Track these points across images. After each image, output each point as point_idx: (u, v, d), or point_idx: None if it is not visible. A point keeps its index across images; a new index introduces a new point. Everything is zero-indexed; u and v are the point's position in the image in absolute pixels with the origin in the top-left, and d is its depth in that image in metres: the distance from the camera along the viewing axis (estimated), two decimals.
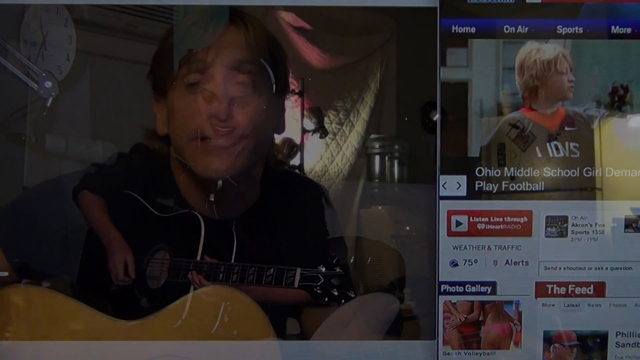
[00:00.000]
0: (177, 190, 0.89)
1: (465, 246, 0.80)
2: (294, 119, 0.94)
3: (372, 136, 1.05)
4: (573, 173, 0.79)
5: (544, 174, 0.79)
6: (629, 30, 0.79)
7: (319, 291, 0.84)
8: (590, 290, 0.80)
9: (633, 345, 0.81)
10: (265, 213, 0.90)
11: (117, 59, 0.95)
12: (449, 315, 0.81)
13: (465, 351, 0.81)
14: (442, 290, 0.81)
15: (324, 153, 1.01)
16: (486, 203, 0.80)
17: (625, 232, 0.80)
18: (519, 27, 0.78)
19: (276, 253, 0.88)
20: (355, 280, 0.92)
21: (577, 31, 0.79)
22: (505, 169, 0.79)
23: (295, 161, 0.94)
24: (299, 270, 0.84)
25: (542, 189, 0.79)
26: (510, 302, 0.81)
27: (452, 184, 0.79)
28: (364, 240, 0.98)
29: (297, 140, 0.94)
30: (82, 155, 0.92)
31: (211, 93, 0.83)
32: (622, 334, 0.81)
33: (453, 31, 0.79)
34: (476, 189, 0.79)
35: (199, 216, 0.88)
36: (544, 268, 0.80)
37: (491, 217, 0.79)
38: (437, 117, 0.80)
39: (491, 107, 0.80)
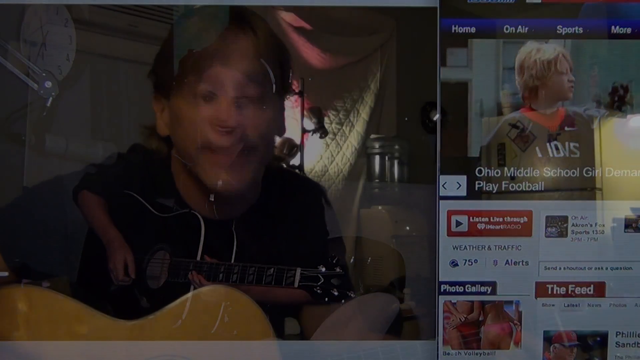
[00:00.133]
0: (177, 190, 0.89)
1: (465, 246, 0.80)
2: (294, 119, 0.94)
3: (372, 136, 1.05)
4: (573, 173, 0.79)
5: (544, 174, 0.79)
6: (629, 30, 0.79)
7: (319, 291, 0.84)
8: (590, 290, 0.80)
9: (633, 345, 0.81)
10: (266, 213, 0.90)
11: (117, 59, 0.95)
12: (449, 315, 0.81)
13: (465, 351, 0.81)
14: (442, 290, 0.81)
15: (324, 153, 1.01)
16: (486, 203, 0.80)
17: (625, 232, 0.80)
18: (519, 27, 0.78)
19: (276, 253, 0.88)
20: (355, 280, 0.92)
21: (577, 31, 0.79)
22: (505, 169, 0.79)
23: (295, 161, 0.94)
24: (299, 270, 0.84)
25: (542, 189, 0.79)
26: (510, 302, 0.81)
27: (452, 184, 0.79)
28: (364, 240, 0.98)
29: (297, 140, 0.94)
30: (82, 155, 0.92)
31: (222, 106, 0.83)
32: (622, 334, 0.81)
33: (453, 31, 0.79)
34: (476, 189, 0.79)
35: (199, 216, 0.88)
36: (544, 268, 0.80)
37: (491, 217, 0.79)
38: (437, 117, 0.80)
39: (491, 107, 0.80)
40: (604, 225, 0.80)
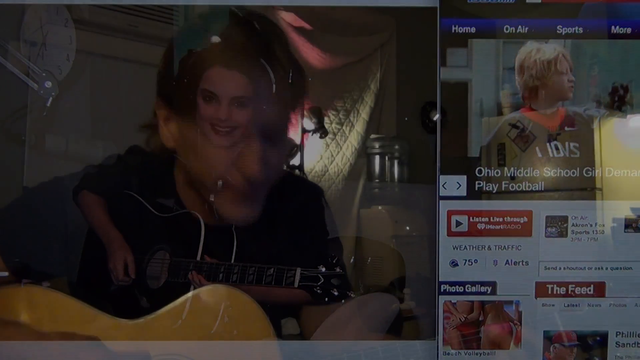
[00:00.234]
0: (177, 191, 0.89)
1: (465, 246, 0.80)
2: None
3: (372, 136, 1.05)
4: (573, 173, 0.79)
5: (544, 174, 0.79)
6: (629, 30, 0.79)
7: (319, 291, 0.84)
8: (590, 290, 0.80)
9: (633, 345, 0.81)
10: (265, 213, 0.90)
11: (117, 59, 0.95)
12: (449, 315, 0.81)
13: (465, 351, 0.81)
14: (442, 290, 0.81)
15: (324, 153, 1.01)
16: (486, 203, 0.79)
17: (625, 232, 0.80)
18: (519, 27, 0.78)
19: (276, 253, 0.88)
20: (356, 280, 0.92)
21: (577, 31, 0.79)
22: (505, 169, 0.79)
23: (295, 161, 0.94)
24: (299, 270, 0.84)
25: (542, 189, 0.79)
26: (510, 302, 0.81)
27: (452, 184, 0.79)
28: (364, 240, 0.98)
29: (297, 140, 0.94)
30: (82, 155, 0.92)
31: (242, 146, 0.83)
32: (622, 333, 0.81)
33: (453, 31, 0.79)
34: (476, 189, 0.79)
35: (199, 216, 0.88)
36: (544, 268, 0.80)
37: (491, 217, 0.79)
38: (437, 117, 0.80)
39: (491, 107, 0.80)
40: (604, 225, 0.80)
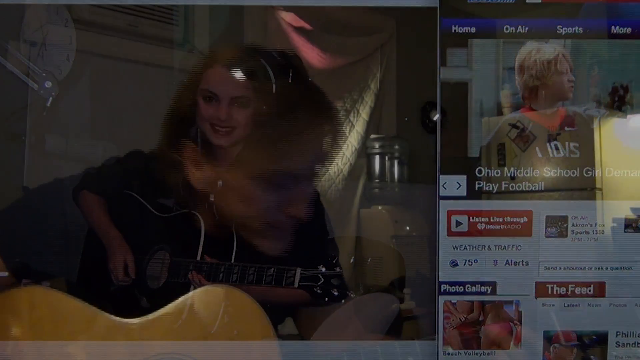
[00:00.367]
0: (178, 192, 0.89)
1: (465, 246, 0.80)
2: None
3: (372, 136, 1.05)
4: (573, 173, 0.79)
5: (544, 174, 0.79)
6: (629, 30, 0.79)
7: (319, 291, 0.84)
8: (590, 290, 0.80)
9: (633, 345, 0.81)
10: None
11: (117, 59, 0.95)
12: (449, 315, 0.81)
13: (465, 351, 0.81)
14: (442, 290, 0.81)
15: None
16: (486, 203, 0.79)
17: (625, 232, 0.80)
18: (519, 27, 0.78)
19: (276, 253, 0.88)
20: (356, 281, 0.92)
21: (577, 31, 0.79)
22: (505, 169, 0.79)
23: None
24: (299, 270, 0.84)
25: (542, 189, 0.79)
26: (510, 302, 0.81)
27: (452, 184, 0.79)
28: (364, 240, 0.98)
29: None
30: (82, 155, 0.92)
31: None
32: (622, 334, 0.81)
33: (453, 31, 0.79)
34: (476, 189, 0.79)
35: (199, 216, 0.88)
36: (544, 268, 0.80)
37: (491, 217, 0.79)
38: (437, 117, 0.80)
39: (491, 107, 0.80)
40: (604, 225, 0.80)
